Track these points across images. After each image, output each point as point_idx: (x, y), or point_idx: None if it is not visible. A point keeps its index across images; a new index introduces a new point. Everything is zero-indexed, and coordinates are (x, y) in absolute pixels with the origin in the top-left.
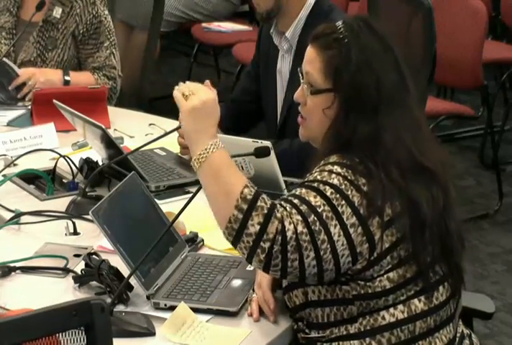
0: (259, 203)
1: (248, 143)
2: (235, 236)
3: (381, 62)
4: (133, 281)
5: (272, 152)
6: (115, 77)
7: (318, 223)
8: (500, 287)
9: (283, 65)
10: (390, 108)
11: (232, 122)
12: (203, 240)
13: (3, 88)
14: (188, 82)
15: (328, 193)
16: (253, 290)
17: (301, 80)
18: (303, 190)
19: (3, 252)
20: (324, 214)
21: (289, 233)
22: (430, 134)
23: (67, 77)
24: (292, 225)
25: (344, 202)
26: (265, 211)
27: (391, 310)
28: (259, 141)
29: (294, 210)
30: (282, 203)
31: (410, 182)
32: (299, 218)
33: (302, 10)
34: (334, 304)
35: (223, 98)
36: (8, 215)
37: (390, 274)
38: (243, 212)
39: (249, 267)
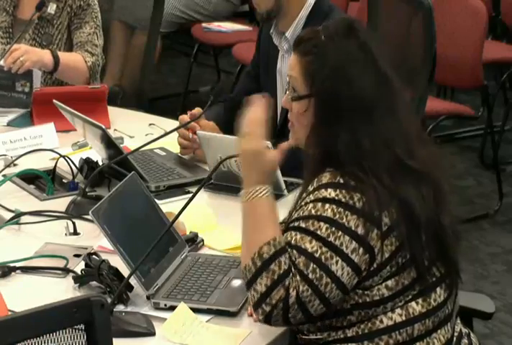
0: (272, 266)
1: None
2: (246, 283)
3: (357, 67)
4: (133, 281)
5: None
6: (97, 55)
7: (318, 270)
8: (500, 287)
9: (283, 65)
10: (369, 113)
11: (232, 122)
12: (203, 240)
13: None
14: (252, 116)
15: (323, 230)
16: None
17: (287, 87)
18: (298, 236)
19: (3, 252)
20: (323, 257)
21: (291, 300)
22: (419, 132)
23: (56, 55)
24: (295, 290)
25: (340, 233)
26: (275, 277)
27: (389, 313)
28: None
29: (294, 270)
30: (289, 262)
31: (400, 184)
32: (298, 278)
33: (302, 10)
34: (333, 316)
35: (222, 98)
36: (8, 215)
37: (389, 282)
38: (256, 267)
39: None
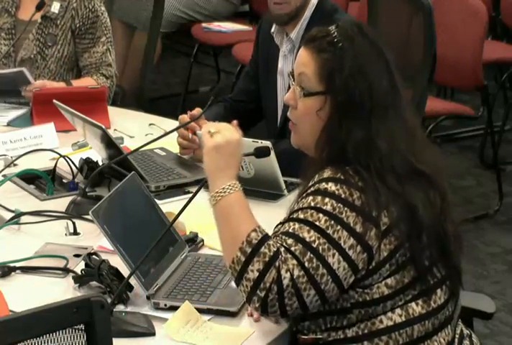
0: (262, 249)
1: (248, 143)
2: (236, 277)
3: (374, 68)
4: (133, 281)
5: (272, 152)
6: (112, 76)
7: (315, 260)
8: (500, 287)
9: (285, 65)
10: (383, 114)
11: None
12: (203, 240)
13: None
14: (216, 122)
15: (322, 222)
16: None
17: (292, 83)
18: (297, 226)
19: (3, 252)
20: (320, 248)
21: (285, 282)
22: (424, 137)
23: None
24: (288, 272)
25: (339, 227)
26: (267, 259)
27: (389, 313)
28: (259, 141)
29: (289, 255)
30: (278, 245)
31: (407, 186)
32: (294, 262)
33: (306, 10)
34: (332, 314)
35: (222, 98)
36: (8, 215)
37: (388, 281)
38: (246, 255)
39: None
